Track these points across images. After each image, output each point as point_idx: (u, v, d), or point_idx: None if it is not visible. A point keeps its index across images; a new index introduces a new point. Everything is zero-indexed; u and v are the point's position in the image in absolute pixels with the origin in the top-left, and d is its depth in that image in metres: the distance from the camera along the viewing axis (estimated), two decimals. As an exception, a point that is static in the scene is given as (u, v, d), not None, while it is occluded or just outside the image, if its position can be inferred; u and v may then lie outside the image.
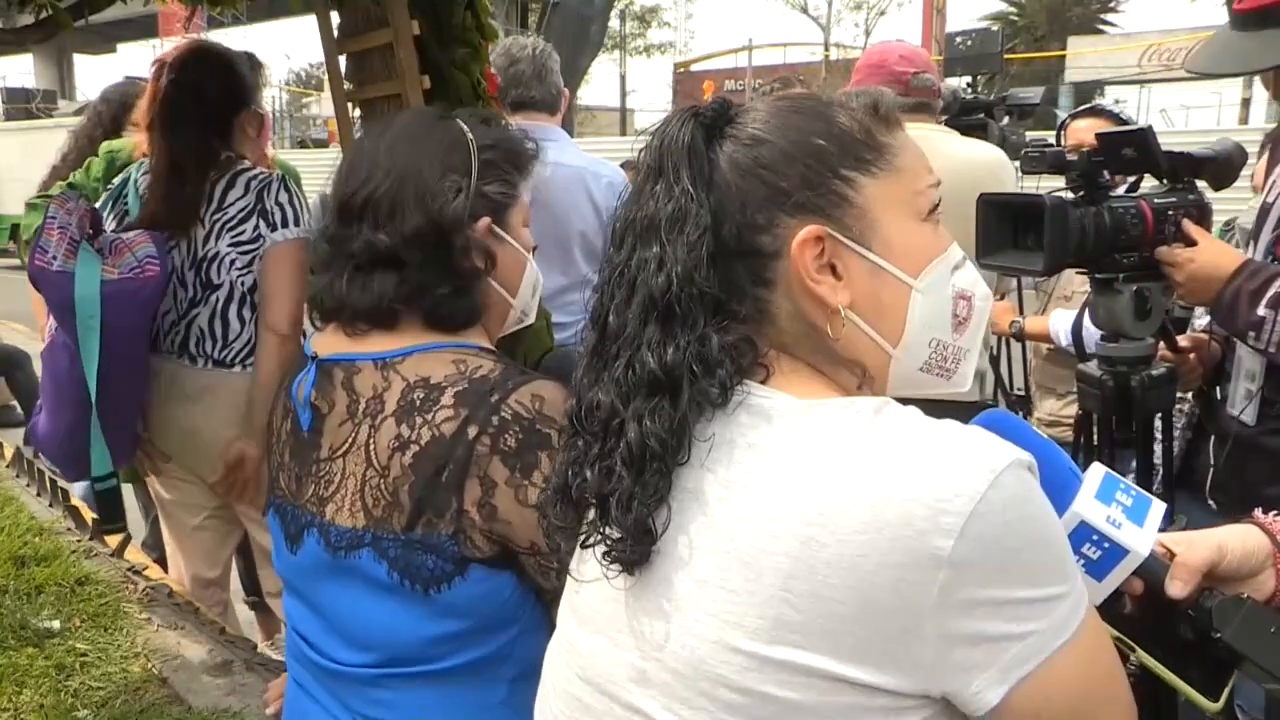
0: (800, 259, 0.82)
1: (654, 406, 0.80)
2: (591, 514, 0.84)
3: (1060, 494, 0.89)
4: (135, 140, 2.80)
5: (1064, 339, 2.95)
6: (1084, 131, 2.97)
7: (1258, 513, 0.98)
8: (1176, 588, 0.90)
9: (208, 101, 2.41)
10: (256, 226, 2.36)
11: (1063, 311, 3.05)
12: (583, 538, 0.85)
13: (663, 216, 0.82)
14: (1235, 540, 0.93)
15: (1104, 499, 0.91)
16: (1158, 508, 0.93)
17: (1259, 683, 0.89)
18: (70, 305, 2.20)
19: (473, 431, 1.12)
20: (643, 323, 0.82)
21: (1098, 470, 0.94)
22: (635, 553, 0.80)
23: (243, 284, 2.37)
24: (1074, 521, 0.89)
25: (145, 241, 2.29)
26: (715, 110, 0.87)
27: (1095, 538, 0.89)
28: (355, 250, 1.20)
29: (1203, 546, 0.92)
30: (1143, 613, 0.93)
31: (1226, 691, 0.91)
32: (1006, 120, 3.33)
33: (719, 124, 0.86)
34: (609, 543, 0.81)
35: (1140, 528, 0.90)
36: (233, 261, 2.36)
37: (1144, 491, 0.95)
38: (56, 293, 2.22)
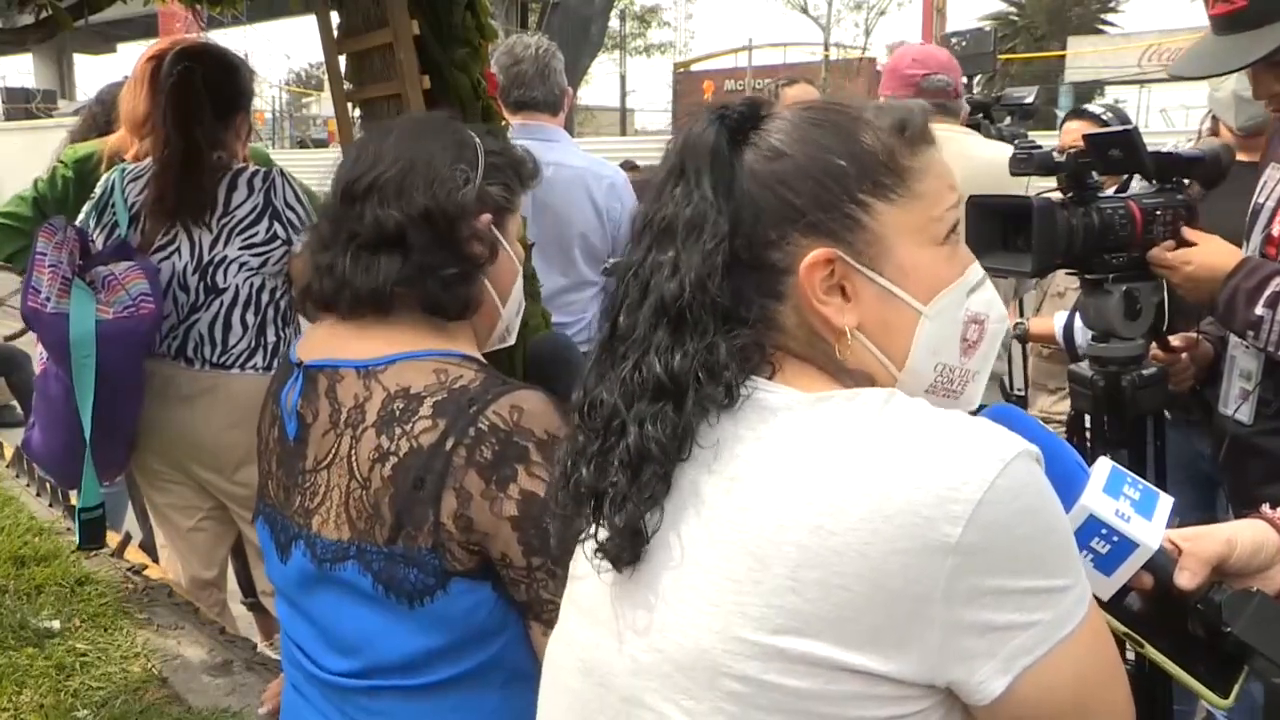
0: (809, 280, 0.82)
1: (657, 411, 0.80)
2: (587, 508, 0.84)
3: (1067, 488, 0.88)
4: (114, 142, 2.72)
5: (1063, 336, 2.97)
6: (1071, 135, 3.03)
7: (1265, 508, 0.98)
8: (1185, 578, 0.90)
9: (221, 96, 2.43)
10: (270, 228, 2.37)
11: (1064, 313, 3.06)
12: (579, 532, 0.85)
13: (681, 220, 0.82)
14: (1245, 535, 0.93)
15: (1112, 493, 0.90)
16: (1165, 501, 0.93)
17: (1269, 677, 0.89)
18: (64, 346, 2.18)
19: (450, 443, 1.11)
20: (653, 326, 0.82)
21: (1105, 464, 0.94)
22: (625, 552, 0.80)
23: (250, 286, 2.37)
24: (1082, 515, 0.88)
25: (139, 277, 2.27)
26: (742, 113, 0.86)
27: (1104, 531, 0.88)
28: (360, 229, 1.19)
29: (1211, 540, 0.92)
30: (1151, 608, 0.93)
31: (1237, 687, 0.91)
32: (1008, 120, 3.34)
33: (745, 127, 0.86)
34: (598, 540, 0.82)
35: (1149, 521, 0.90)
36: (243, 264, 2.36)
37: (1151, 485, 0.95)
38: (51, 333, 2.20)
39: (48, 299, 2.19)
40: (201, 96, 2.37)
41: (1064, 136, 3.20)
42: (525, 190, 1.33)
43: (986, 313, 0.90)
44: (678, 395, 0.79)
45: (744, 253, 0.82)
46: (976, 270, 0.90)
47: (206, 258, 2.35)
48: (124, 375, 2.27)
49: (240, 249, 2.36)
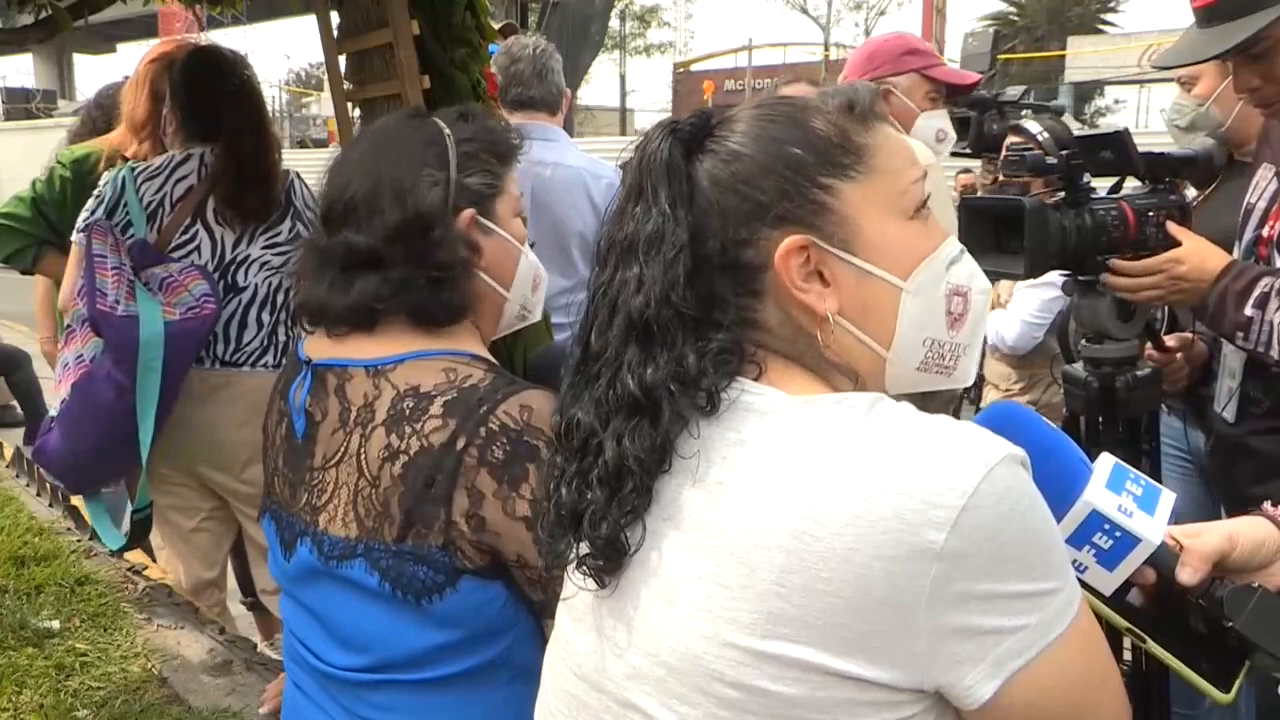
0: (785, 269, 0.82)
1: (634, 427, 0.80)
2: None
3: (1070, 484, 0.89)
4: (116, 140, 2.71)
5: (991, 337, 3.26)
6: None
7: (1267, 505, 0.98)
8: (1187, 574, 0.90)
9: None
10: (293, 228, 2.39)
11: (999, 312, 3.30)
12: (564, 553, 0.86)
13: (641, 237, 0.83)
14: (1246, 531, 0.93)
15: (1114, 488, 0.91)
16: (1168, 497, 0.93)
17: (1271, 672, 0.89)
18: (134, 348, 2.18)
19: (461, 443, 1.11)
20: (623, 343, 0.82)
21: (1107, 460, 0.94)
22: (605, 566, 0.81)
23: (269, 285, 2.38)
24: (1086, 511, 0.88)
25: (199, 278, 2.29)
26: (694, 124, 0.87)
27: (1107, 527, 0.89)
28: (337, 255, 1.19)
29: (1213, 536, 0.92)
30: (1153, 604, 0.93)
31: (1238, 683, 0.91)
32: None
33: (698, 137, 0.86)
34: (579, 556, 0.83)
35: (1151, 517, 0.90)
36: (264, 264, 2.37)
37: (1153, 481, 0.95)
38: (120, 335, 2.19)
39: (116, 301, 2.19)
40: (263, 99, 2.41)
41: (1005, 151, 3.44)
42: (510, 165, 1.30)
43: (968, 285, 0.89)
44: (653, 409, 0.80)
45: (717, 257, 0.83)
46: (954, 243, 0.89)
47: (229, 256, 2.36)
48: (178, 377, 2.28)
49: (263, 248, 2.37)
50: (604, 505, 0.80)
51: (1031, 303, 3.17)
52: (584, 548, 0.82)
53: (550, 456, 0.88)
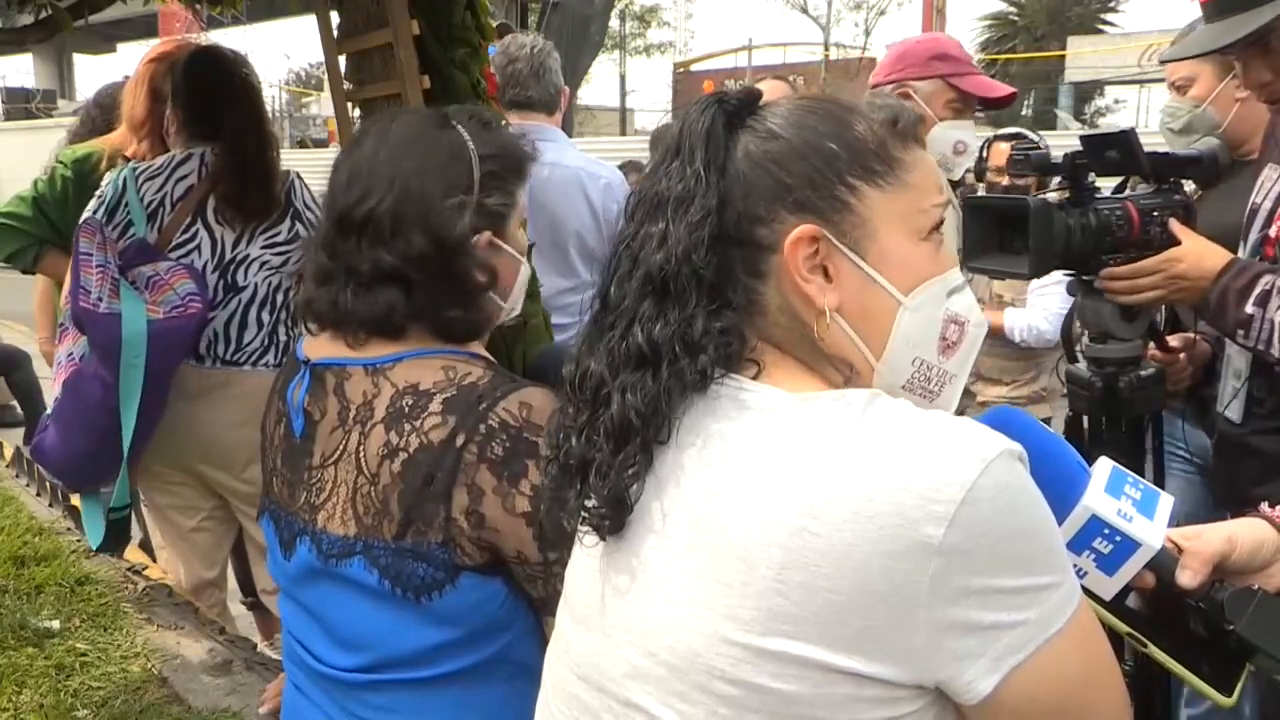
0: (792, 256, 0.83)
1: (637, 380, 0.81)
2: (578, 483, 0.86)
3: (1069, 489, 0.89)
4: (117, 140, 2.72)
5: (1018, 335, 3.34)
6: (999, 155, 3.67)
7: (1264, 506, 0.98)
8: (1187, 577, 0.90)
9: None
10: (293, 228, 2.40)
11: (1015, 310, 3.39)
12: (567, 502, 0.87)
13: (671, 194, 0.84)
14: (1245, 533, 0.93)
15: (1113, 493, 0.91)
16: (1166, 500, 0.94)
17: (1272, 674, 0.89)
18: (116, 346, 2.18)
19: (460, 440, 1.11)
20: (640, 297, 0.84)
21: (1105, 464, 0.94)
22: (609, 520, 0.82)
23: (269, 285, 2.38)
24: (1085, 516, 0.89)
25: (185, 277, 2.28)
26: (740, 99, 0.88)
27: (1107, 532, 0.89)
28: (358, 264, 1.18)
29: (1213, 538, 0.92)
30: (1152, 607, 0.94)
31: (1239, 685, 0.91)
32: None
33: (742, 113, 0.88)
34: (587, 510, 0.84)
35: (1151, 521, 0.91)
36: (264, 263, 2.37)
37: (1152, 485, 0.95)
38: (103, 333, 2.19)
39: (99, 299, 2.18)
40: (263, 98, 2.42)
41: (993, 157, 3.72)
42: (525, 181, 1.30)
43: (967, 316, 0.91)
44: (655, 365, 0.81)
45: (733, 229, 0.84)
46: (958, 274, 0.91)
47: (229, 256, 2.36)
48: (164, 375, 2.27)
49: (263, 248, 2.37)
50: (610, 458, 0.82)
51: (1060, 297, 3.22)
52: (590, 501, 0.83)
53: (562, 404, 0.89)
